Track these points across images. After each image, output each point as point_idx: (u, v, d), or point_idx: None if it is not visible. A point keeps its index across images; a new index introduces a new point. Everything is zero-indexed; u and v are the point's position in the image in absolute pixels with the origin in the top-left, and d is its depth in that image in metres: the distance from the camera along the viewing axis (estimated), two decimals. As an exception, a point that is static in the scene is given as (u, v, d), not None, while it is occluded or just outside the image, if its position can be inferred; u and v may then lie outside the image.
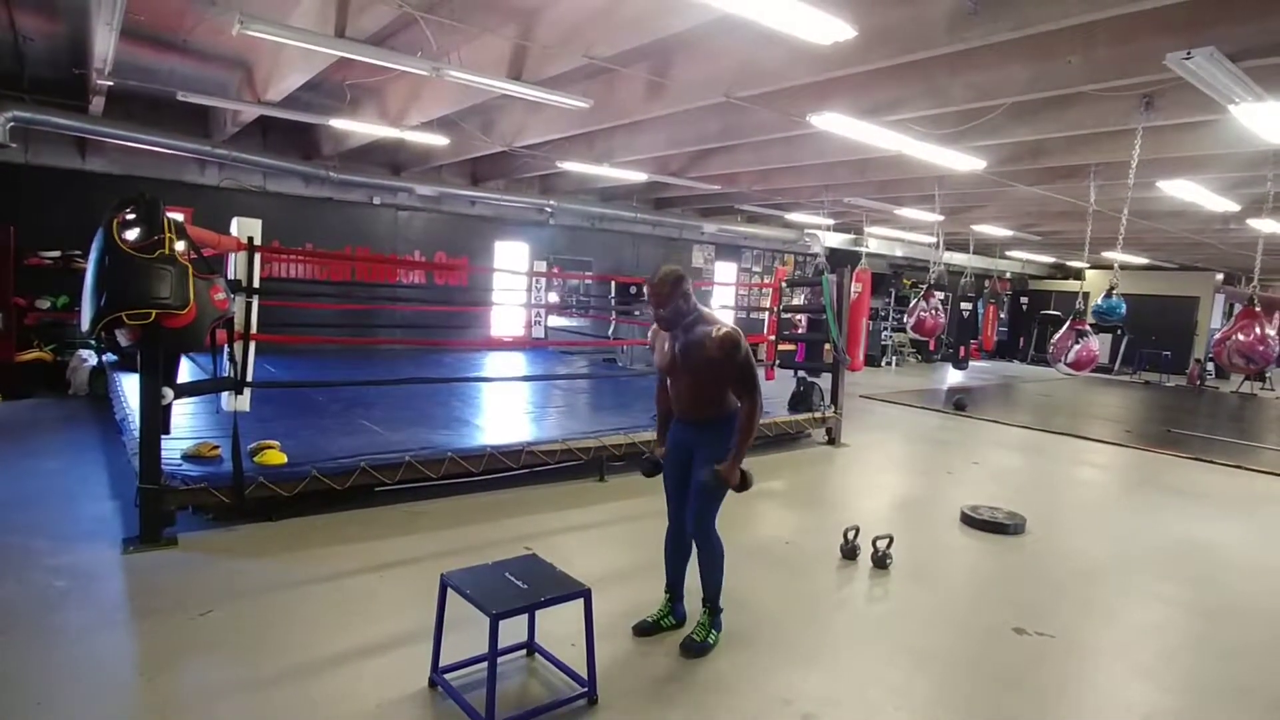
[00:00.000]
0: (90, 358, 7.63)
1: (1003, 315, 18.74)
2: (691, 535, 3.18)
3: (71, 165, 8.03)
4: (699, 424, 3.08)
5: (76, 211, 7.73)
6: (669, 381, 3.15)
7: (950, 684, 3.02)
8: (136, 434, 3.98)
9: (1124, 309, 6.75)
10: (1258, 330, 6.15)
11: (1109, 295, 6.68)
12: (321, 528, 4.30)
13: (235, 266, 4.41)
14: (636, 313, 11.80)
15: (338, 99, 6.88)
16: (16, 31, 5.99)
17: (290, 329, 7.25)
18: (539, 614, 2.84)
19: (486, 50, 5.27)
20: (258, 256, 4.38)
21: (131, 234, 3.58)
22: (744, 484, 3.04)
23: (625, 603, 3.45)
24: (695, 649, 3.07)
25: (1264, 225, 8.17)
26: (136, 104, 7.50)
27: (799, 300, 9.68)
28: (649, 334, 3.25)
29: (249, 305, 4.34)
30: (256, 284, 4.39)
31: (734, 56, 5.04)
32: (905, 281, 18.03)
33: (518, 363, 10.38)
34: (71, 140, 7.83)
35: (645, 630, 3.20)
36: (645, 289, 3.06)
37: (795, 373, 7.92)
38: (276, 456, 4.39)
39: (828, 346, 7.74)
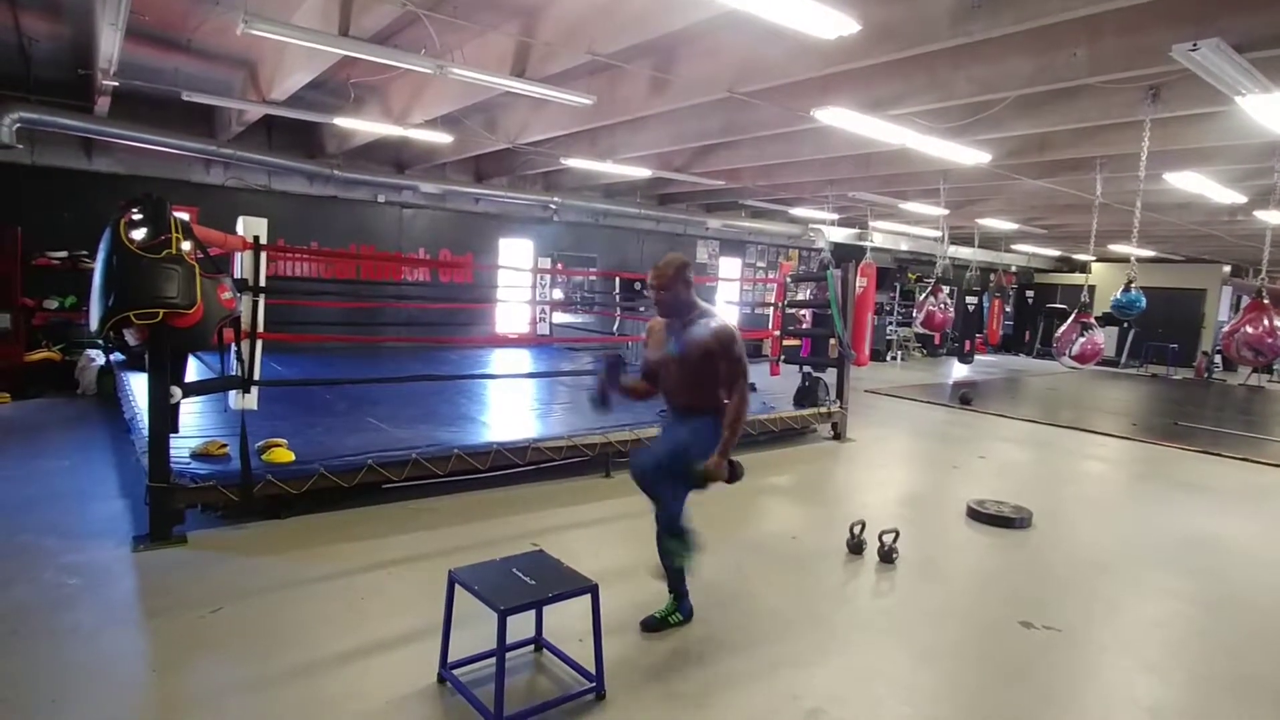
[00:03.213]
0: (98, 357, 7.66)
1: (1008, 309, 18.69)
2: (658, 521, 3.17)
3: (77, 166, 8.06)
4: (689, 416, 3.12)
5: (83, 212, 7.77)
6: (661, 374, 3.19)
7: (957, 678, 3.03)
8: (145, 433, 4.00)
9: (1144, 302, 6.67)
10: (1266, 322, 6.11)
11: (1128, 289, 6.61)
12: (329, 525, 4.32)
13: (241, 265, 4.43)
14: (641, 309, 11.78)
15: (342, 97, 6.89)
16: (21, 33, 6.01)
17: (296, 327, 7.28)
18: (546, 610, 2.86)
19: (489, 48, 5.27)
20: (263, 255, 4.40)
21: (138, 234, 3.60)
22: (734, 475, 3.06)
23: (632, 598, 3.46)
24: (655, 628, 3.18)
25: (1271, 217, 8.10)
26: (141, 104, 7.52)
27: (804, 295, 9.67)
28: (645, 329, 3.33)
29: (255, 304, 4.36)
30: (263, 283, 4.41)
31: (737, 52, 5.03)
32: (910, 276, 17.98)
33: (523, 360, 10.40)
34: (77, 141, 7.85)
35: (652, 626, 3.21)
36: (649, 275, 3.13)
37: (800, 368, 7.91)
38: (284, 454, 4.41)
39: (833, 341, 7.74)
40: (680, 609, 3.28)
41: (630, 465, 3.21)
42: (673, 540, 3.15)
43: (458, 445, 4.96)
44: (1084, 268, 19.30)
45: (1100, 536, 4.98)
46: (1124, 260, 6.87)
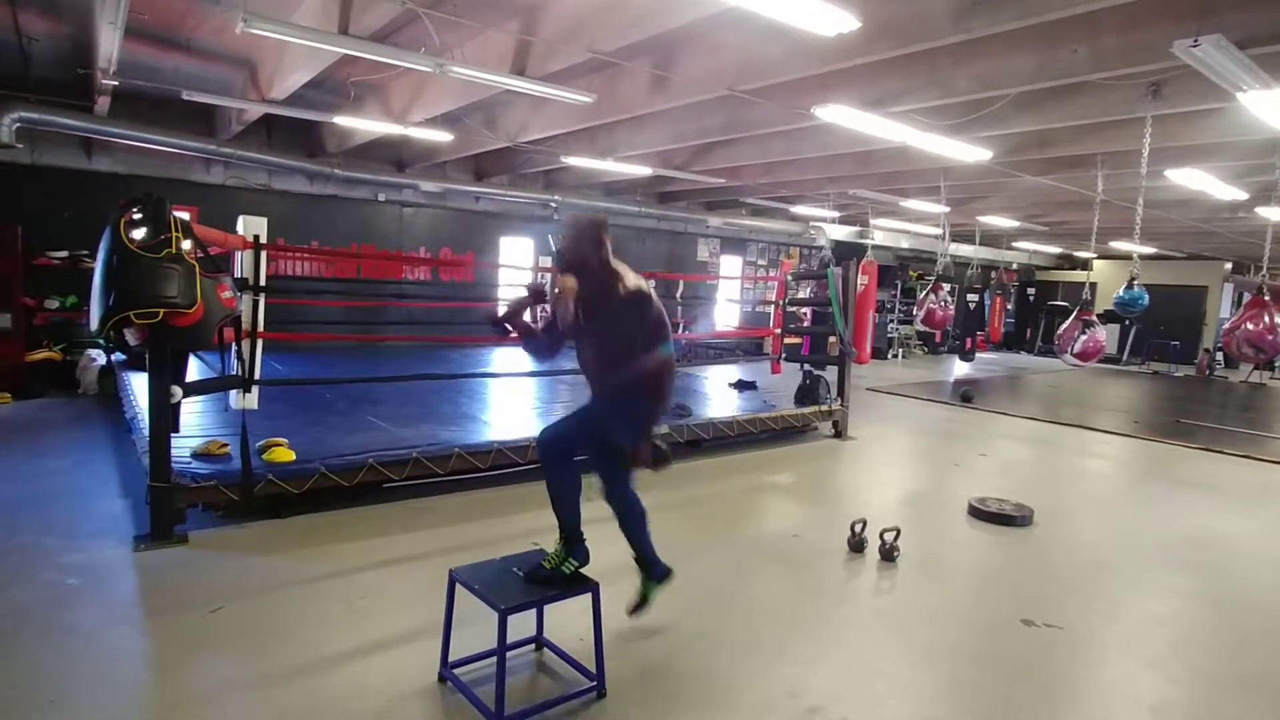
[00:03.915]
0: (99, 357, 7.67)
1: (1009, 306, 18.67)
2: (607, 501, 2.97)
3: (78, 165, 8.06)
4: (611, 397, 2.81)
5: (83, 211, 7.76)
6: (577, 350, 2.91)
7: (958, 676, 3.03)
8: (146, 432, 4.00)
9: (1147, 299, 6.65)
10: (1267, 319, 6.11)
11: (1130, 286, 6.60)
12: (330, 524, 4.32)
13: (241, 265, 4.43)
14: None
15: (341, 96, 6.88)
16: (21, 32, 6.00)
17: (297, 327, 7.30)
18: (547, 609, 2.87)
19: (489, 46, 5.27)
20: (264, 254, 4.40)
21: (138, 233, 3.59)
22: (659, 461, 2.84)
23: (633, 597, 3.45)
24: (543, 576, 2.74)
25: (1272, 213, 8.10)
26: (142, 103, 7.52)
27: (805, 293, 9.67)
28: (554, 295, 2.93)
29: (256, 303, 4.36)
30: (263, 282, 4.41)
31: (737, 49, 5.03)
32: (911, 274, 17.96)
33: (524, 358, 10.38)
34: (77, 140, 7.85)
35: (637, 607, 3.05)
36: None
37: (801, 366, 7.91)
38: (285, 454, 4.41)
39: (833, 339, 7.73)
40: (654, 576, 3.04)
41: (539, 440, 2.90)
42: (630, 524, 2.96)
43: (459, 444, 4.96)
44: (1085, 265, 19.25)
45: (1102, 534, 4.97)
46: (1125, 257, 6.87)
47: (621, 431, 2.78)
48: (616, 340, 2.74)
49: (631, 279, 2.74)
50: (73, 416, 6.72)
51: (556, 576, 2.70)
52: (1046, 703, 2.85)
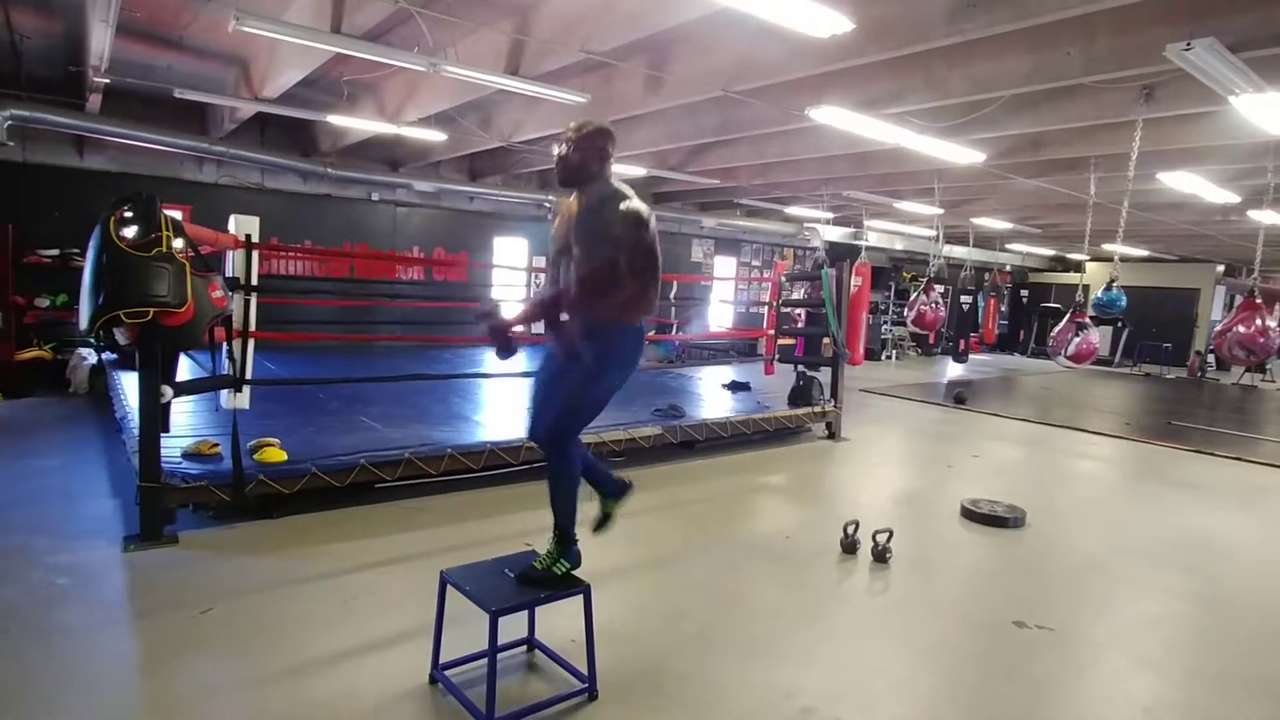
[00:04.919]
0: (90, 356, 7.63)
1: (1003, 308, 18.72)
2: (541, 443, 2.80)
3: (69, 163, 8.01)
4: (585, 326, 2.59)
5: (75, 209, 7.71)
6: (562, 269, 2.68)
7: (951, 677, 3.03)
8: (136, 432, 3.98)
9: (1124, 301, 6.75)
10: (1258, 322, 6.15)
11: (1109, 288, 6.68)
12: (321, 525, 4.30)
13: (233, 264, 4.40)
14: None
15: (335, 95, 6.86)
16: (13, 29, 5.97)
17: (289, 326, 7.26)
18: (539, 610, 2.85)
19: (483, 45, 5.26)
20: (255, 254, 4.38)
21: (129, 232, 3.58)
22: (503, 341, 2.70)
23: (625, 599, 3.45)
24: (535, 577, 2.66)
25: (1264, 217, 8.16)
26: (134, 101, 7.49)
27: (799, 294, 9.67)
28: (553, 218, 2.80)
29: (247, 303, 4.34)
30: (255, 281, 4.39)
31: (732, 50, 5.03)
32: (905, 275, 18.00)
33: (517, 359, 10.34)
34: (69, 138, 7.81)
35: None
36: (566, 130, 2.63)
37: (795, 367, 7.91)
38: (276, 454, 4.39)
39: (827, 340, 7.74)
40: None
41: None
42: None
43: (451, 445, 4.94)
44: (1078, 267, 19.35)
45: (1094, 535, 4.98)
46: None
47: (594, 360, 2.59)
48: (597, 259, 2.48)
49: (635, 201, 2.51)
50: (63, 416, 6.67)
51: (548, 578, 2.68)
52: (1039, 703, 2.85)
